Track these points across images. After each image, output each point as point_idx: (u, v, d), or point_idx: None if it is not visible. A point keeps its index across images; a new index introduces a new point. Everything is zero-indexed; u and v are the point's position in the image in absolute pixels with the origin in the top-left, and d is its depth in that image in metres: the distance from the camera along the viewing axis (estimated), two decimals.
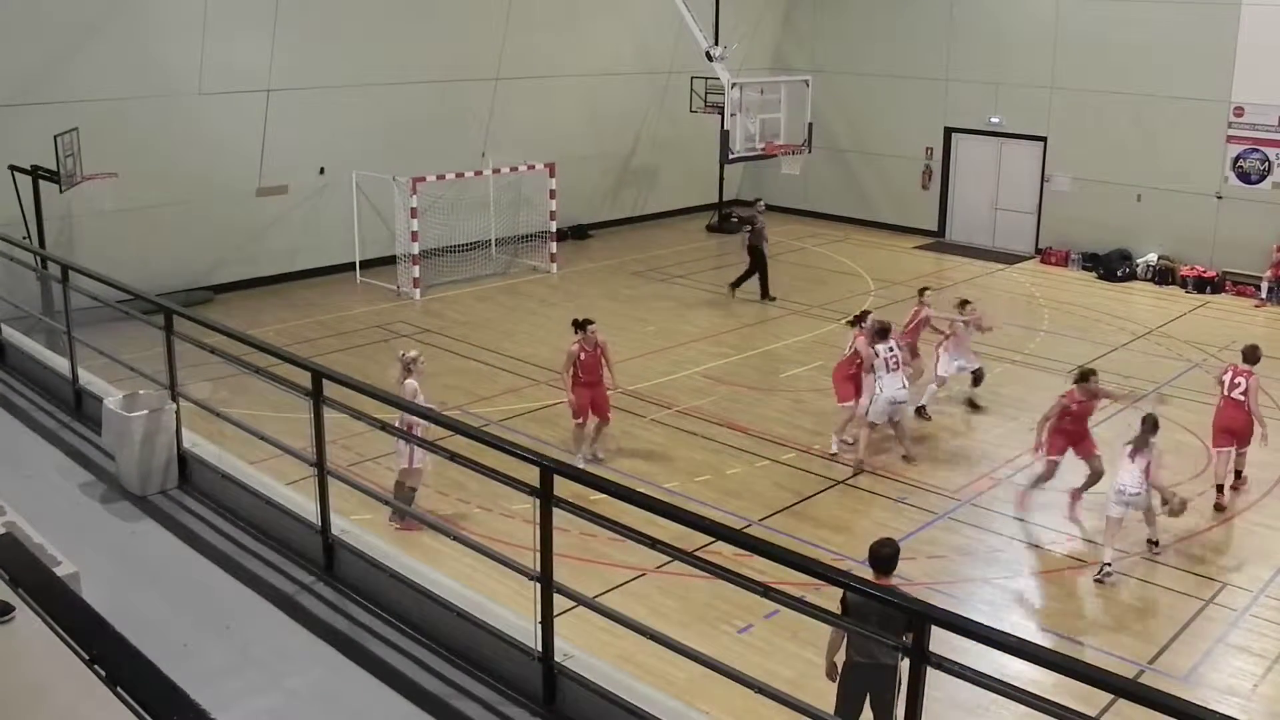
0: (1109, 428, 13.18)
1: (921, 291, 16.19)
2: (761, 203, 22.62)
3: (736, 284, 21.58)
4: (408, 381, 11.40)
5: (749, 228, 21.68)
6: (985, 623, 4.44)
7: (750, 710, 7.42)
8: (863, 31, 27.71)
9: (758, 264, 21.43)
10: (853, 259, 24.72)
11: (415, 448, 10.87)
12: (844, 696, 7.59)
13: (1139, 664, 9.74)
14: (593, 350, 13.53)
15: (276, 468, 8.31)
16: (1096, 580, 11.10)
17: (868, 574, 7.70)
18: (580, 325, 13.58)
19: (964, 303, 15.91)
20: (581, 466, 12.95)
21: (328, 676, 5.64)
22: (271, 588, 6.42)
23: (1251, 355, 13.25)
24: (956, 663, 4.17)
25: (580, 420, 13.62)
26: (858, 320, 14.43)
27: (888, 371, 13.47)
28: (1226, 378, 13.24)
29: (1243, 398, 12.88)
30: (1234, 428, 12.98)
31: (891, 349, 13.63)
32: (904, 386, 13.69)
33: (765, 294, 21.40)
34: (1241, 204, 22.61)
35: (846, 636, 7.57)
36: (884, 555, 7.79)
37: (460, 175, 22.08)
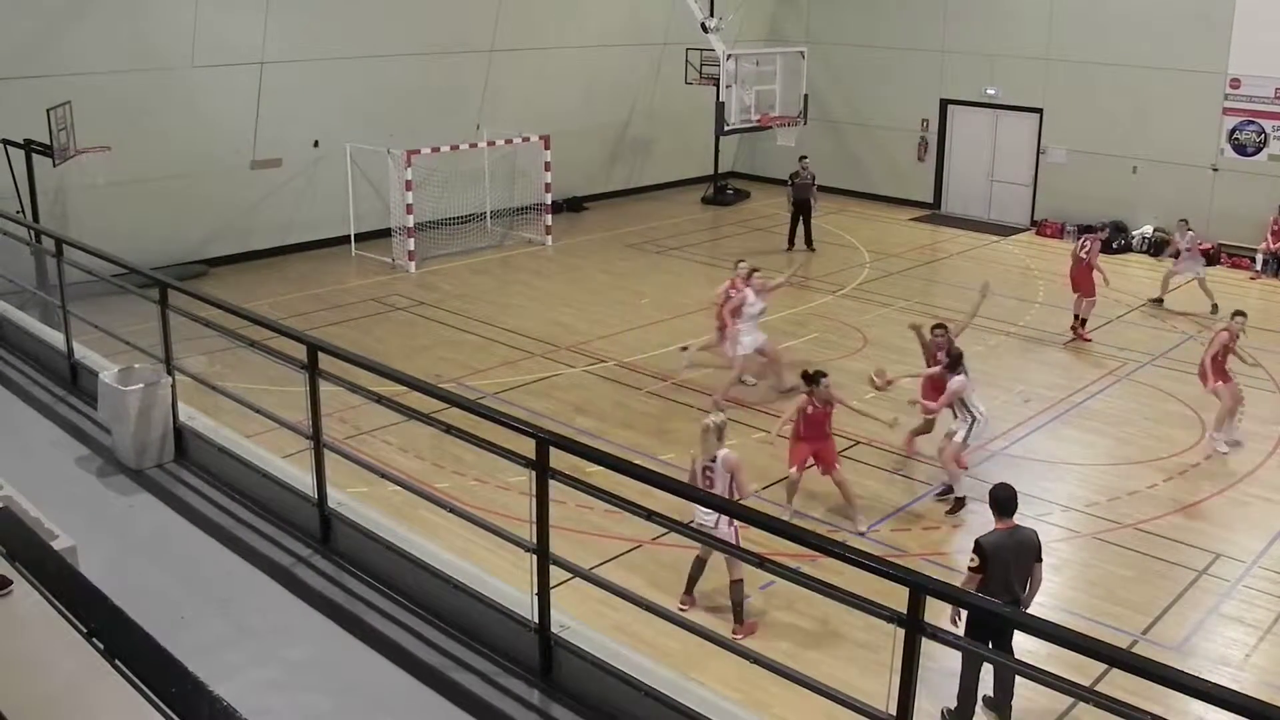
0: None
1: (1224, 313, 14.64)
2: (806, 159, 23.28)
3: (791, 242, 23.12)
4: (722, 452, 9.80)
5: (792, 182, 22.97)
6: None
7: (746, 680, 7.49)
8: (858, 3, 27.55)
9: (798, 214, 22.93)
10: (849, 231, 24.68)
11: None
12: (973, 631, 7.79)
13: (1132, 634, 9.80)
14: (822, 406, 11.91)
15: (272, 441, 8.31)
16: None
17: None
18: (812, 379, 11.91)
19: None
20: (787, 518, 11.42)
21: (325, 648, 5.67)
22: (268, 560, 6.44)
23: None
24: (950, 632, 4.20)
25: (796, 467, 11.85)
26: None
27: None
28: None
29: None
30: None
31: None
32: None
33: (807, 243, 23.07)
34: (1237, 176, 22.59)
35: (982, 577, 7.94)
36: (1003, 498, 8.35)
37: (455, 148, 21.97)
